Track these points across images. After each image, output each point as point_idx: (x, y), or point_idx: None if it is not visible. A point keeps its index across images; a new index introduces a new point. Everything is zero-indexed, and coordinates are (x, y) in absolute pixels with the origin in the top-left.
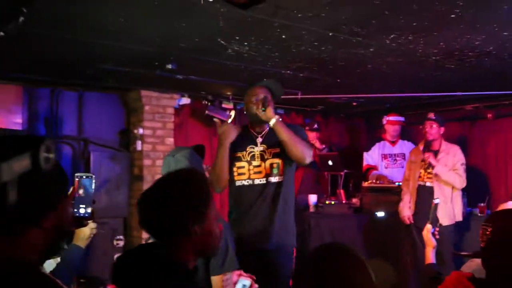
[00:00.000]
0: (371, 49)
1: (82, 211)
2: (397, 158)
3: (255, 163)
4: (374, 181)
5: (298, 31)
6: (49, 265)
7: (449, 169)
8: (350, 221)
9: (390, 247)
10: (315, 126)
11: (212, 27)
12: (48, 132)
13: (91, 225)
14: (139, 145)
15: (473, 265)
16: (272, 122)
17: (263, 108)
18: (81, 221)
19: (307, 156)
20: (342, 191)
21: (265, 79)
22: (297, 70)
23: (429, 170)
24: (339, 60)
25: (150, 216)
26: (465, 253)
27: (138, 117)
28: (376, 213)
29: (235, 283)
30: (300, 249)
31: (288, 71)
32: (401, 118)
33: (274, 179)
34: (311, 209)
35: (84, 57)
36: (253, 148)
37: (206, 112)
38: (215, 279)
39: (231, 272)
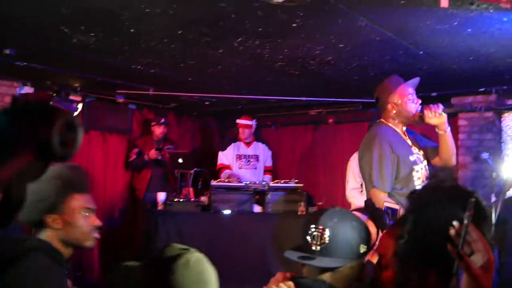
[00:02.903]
0: (220, 50)
1: None
2: (251, 160)
3: (421, 166)
4: (223, 179)
5: (147, 27)
6: None
7: None
8: (198, 219)
9: (236, 244)
10: (162, 120)
11: (53, 14)
12: None
13: None
14: None
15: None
16: (448, 129)
17: (443, 112)
18: None
19: (455, 160)
20: (191, 189)
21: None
22: (148, 66)
23: None
24: (189, 58)
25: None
26: None
27: None
28: (223, 211)
29: None
30: (147, 248)
31: (139, 66)
32: (250, 122)
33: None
34: (159, 207)
35: None
36: (414, 150)
37: (51, 103)
38: None
39: None
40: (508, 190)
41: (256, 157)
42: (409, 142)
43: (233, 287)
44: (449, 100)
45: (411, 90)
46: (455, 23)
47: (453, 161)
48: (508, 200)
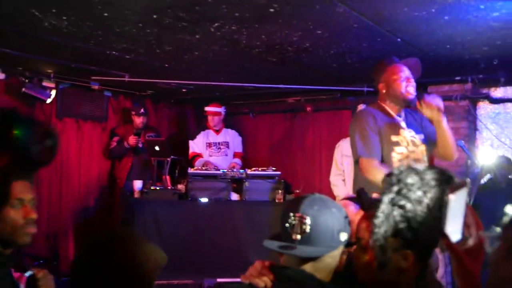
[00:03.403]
0: (197, 36)
1: None
2: (221, 147)
3: (410, 148)
4: (200, 167)
5: (121, 10)
6: None
7: None
8: (175, 207)
9: (213, 232)
10: (142, 110)
11: None
12: None
13: None
14: None
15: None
16: (442, 123)
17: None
18: None
19: (456, 154)
20: (168, 177)
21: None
22: (123, 52)
23: None
24: (166, 44)
25: None
26: None
27: None
28: (200, 199)
29: None
30: None
31: (114, 52)
32: (219, 109)
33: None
34: (136, 195)
35: None
36: (404, 132)
37: (23, 89)
38: None
39: None
40: (483, 177)
41: (226, 144)
42: (403, 123)
43: (210, 275)
44: (425, 89)
45: (402, 69)
46: (433, 10)
47: (451, 155)
48: (481, 185)
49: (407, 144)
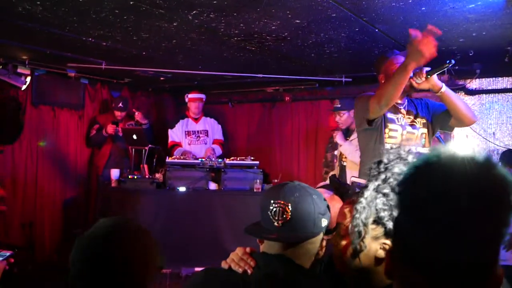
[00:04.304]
0: (175, 24)
1: None
2: (200, 135)
3: (408, 129)
4: (178, 156)
5: None
6: None
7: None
8: (152, 196)
9: (191, 221)
10: (120, 105)
11: None
12: None
13: None
14: None
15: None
16: (443, 89)
17: (427, 76)
18: None
19: (474, 117)
20: (145, 166)
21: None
22: (99, 38)
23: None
24: (143, 32)
25: None
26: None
27: None
28: (178, 188)
29: None
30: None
31: (90, 39)
32: (201, 95)
33: (422, 150)
34: (113, 184)
35: None
36: (403, 114)
37: None
38: None
39: None
40: None
41: (206, 132)
42: (403, 110)
43: (187, 265)
44: None
45: (401, 60)
46: (410, 1)
47: (468, 118)
48: None
49: (404, 124)
